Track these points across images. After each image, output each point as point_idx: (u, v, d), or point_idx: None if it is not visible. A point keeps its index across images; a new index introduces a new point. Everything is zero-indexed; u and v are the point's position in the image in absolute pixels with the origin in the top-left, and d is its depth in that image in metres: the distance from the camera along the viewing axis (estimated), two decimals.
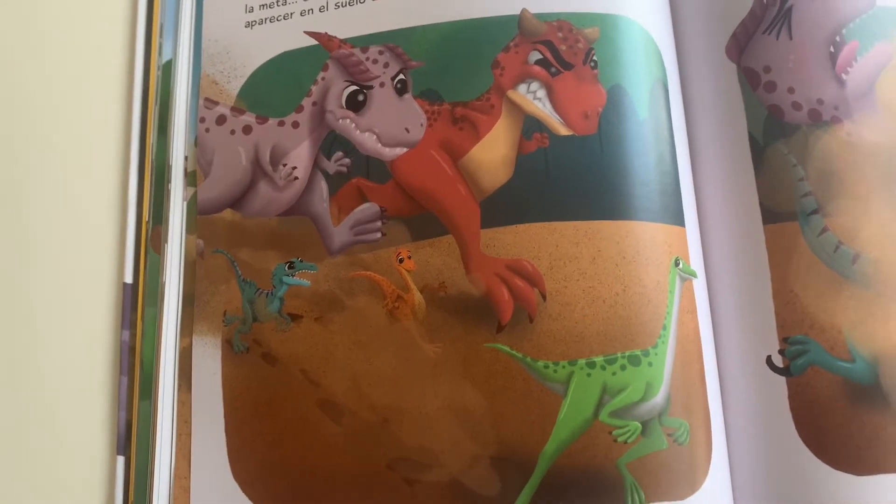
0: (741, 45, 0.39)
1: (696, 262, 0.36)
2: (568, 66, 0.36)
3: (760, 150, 0.38)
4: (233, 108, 0.39)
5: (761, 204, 0.37)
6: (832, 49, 0.38)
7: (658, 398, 0.33)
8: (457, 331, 0.34)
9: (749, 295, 0.36)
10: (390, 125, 0.37)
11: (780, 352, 0.36)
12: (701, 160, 0.39)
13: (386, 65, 0.38)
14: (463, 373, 0.34)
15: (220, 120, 0.39)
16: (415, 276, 0.35)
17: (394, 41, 0.38)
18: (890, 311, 0.36)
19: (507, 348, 0.34)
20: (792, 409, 0.35)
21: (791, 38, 0.38)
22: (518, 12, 0.37)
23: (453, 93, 0.37)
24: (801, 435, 0.35)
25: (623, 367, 0.33)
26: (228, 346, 0.37)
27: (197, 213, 0.38)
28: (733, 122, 0.38)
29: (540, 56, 0.37)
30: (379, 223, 0.36)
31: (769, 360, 0.36)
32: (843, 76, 0.38)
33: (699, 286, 0.36)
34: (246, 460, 0.35)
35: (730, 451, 0.36)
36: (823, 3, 0.39)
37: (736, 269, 0.37)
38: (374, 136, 0.37)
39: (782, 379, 0.35)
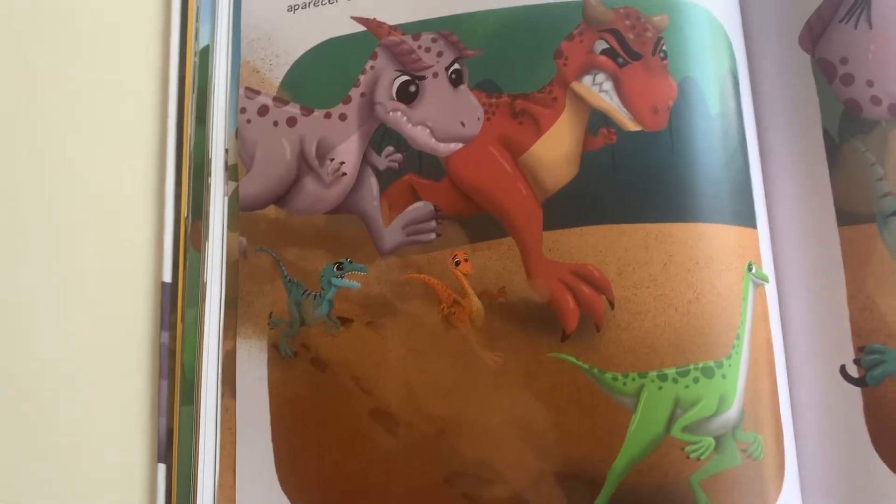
0: (816, 34, 0.37)
1: (767, 266, 0.35)
2: (636, 57, 0.35)
3: (835, 148, 0.36)
4: (275, 99, 0.37)
5: (836, 205, 0.35)
6: None
7: (732, 412, 0.32)
8: (518, 340, 0.33)
9: (822, 301, 0.35)
10: (444, 119, 0.35)
11: (856, 361, 0.34)
12: (772, 158, 0.37)
13: (440, 53, 0.36)
14: (525, 384, 0.32)
15: (263, 111, 0.37)
16: (472, 281, 0.34)
17: (448, 28, 0.36)
18: None
19: (572, 359, 0.32)
20: (867, 422, 0.34)
21: (871, 26, 0.36)
22: None
23: (513, 84, 0.35)
24: (877, 450, 0.33)
25: (696, 380, 0.32)
26: (275, 351, 0.35)
27: (239, 209, 0.37)
28: (806, 118, 0.36)
29: (606, 45, 0.35)
30: (433, 223, 0.35)
31: (843, 370, 0.34)
32: None
33: (770, 292, 0.35)
34: (294, 470, 0.34)
35: (800, 466, 0.34)
36: None
37: (809, 274, 0.35)
38: (428, 131, 0.35)
39: (857, 390, 0.34)
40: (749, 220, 0.34)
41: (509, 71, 0.35)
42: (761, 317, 0.34)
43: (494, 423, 0.32)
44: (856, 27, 0.36)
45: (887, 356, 0.34)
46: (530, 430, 0.32)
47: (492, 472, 0.32)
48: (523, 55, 0.35)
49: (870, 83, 0.36)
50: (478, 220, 0.34)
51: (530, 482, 0.32)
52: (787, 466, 0.33)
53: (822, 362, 0.35)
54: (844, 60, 0.36)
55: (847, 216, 0.35)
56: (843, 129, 0.36)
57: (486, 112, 0.35)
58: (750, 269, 0.34)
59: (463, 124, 0.35)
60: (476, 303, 0.34)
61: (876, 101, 0.36)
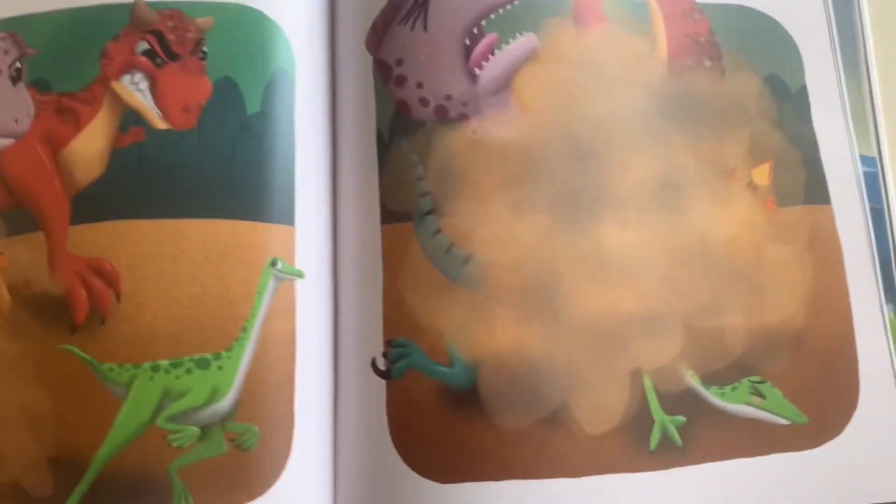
0: (380, 35, 0.38)
1: (310, 262, 0.36)
2: (175, 57, 0.36)
3: (386, 148, 0.37)
4: None
5: (382, 203, 0.37)
6: (468, 42, 0.38)
7: (224, 403, 0.33)
8: (34, 330, 0.34)
9: (363, 296, 0.36)
10: (1, 115, 0.36)
11: (384, 354, 0.35)
12: (342, 157, 0.38)
13: (6, 51, 0.37)
14: (35, 374, 0.33)
15: None
16: (5, 274, 0.35)
17: (16, 27, 0.37)
18: (496, 315, 0.35)
19: (76, 350, 0.33)
20: (389, 413, 0.35)
21: (426, 29, 0.38)
22: (132, 0, 0.36)
23: (63, 83, 0.36)
24: (393, 440, 0.34)
25: (189, 371, 0.33)
26: None
27: None
28: (366, 118, 0.38)
29: (148, 46, 0.36)
30: None
31: (373, 363, 0.35)
32: (477, 71, 0.38)
33: (310, 288, 0.36)
34: None
35: (337, 455, 0.35)
36: None
37: (355, 270, 0.37)
38: None
39: (383, 383, 0.35)
40: (284, 217, 0.35)
41: (61, 69, 0.36)
42: (282, 311, 0.35)
43: (7, 410, 0.33)
44: (412, 29, 0.38)
45: (410, 349, 0.35)
46: (34, 418, 0.33)
47: None
48: (74, 55, 0.36)
49: (420, 85, 0.37)
50: (16, 214, 0.35)
51: (26, 468, 0.33)
52: (299, 455, 0.34)
53: (359, 355, 0.36)
54: (400, 62, 0.38)
55: (390, 214, 0.37)
56: (394, 129, 0.37)
57: (36, 109, 0.36)
58: (274, 265, 0.35)
59: (16, 121, 0.36)
60: (4, 294, 0.35)
61: (424, 102, 0.37)
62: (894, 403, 0.37)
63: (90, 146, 0.35)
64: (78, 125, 0.36)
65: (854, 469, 0.36)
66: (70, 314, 0.34)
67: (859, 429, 0.37)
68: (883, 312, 0.38)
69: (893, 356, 0.38)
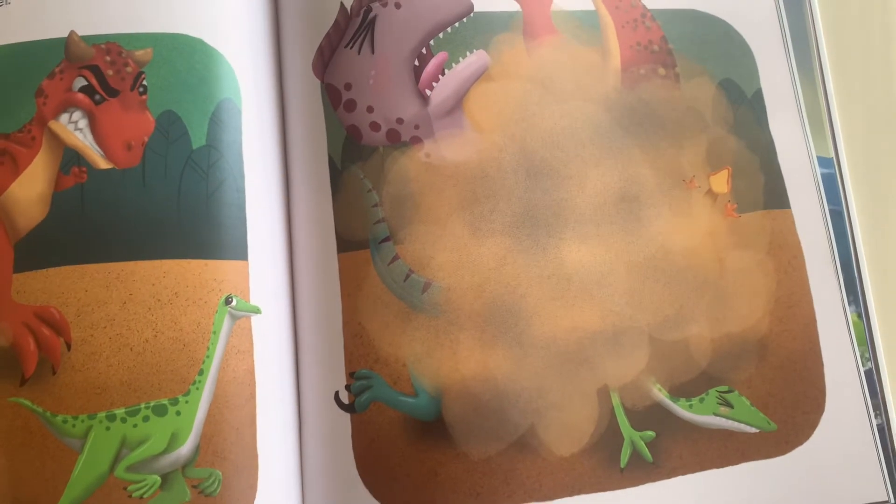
0: (326, 60, 0.38)
1: (266, 297, 0.36)
2: (114, 93, 0.36)
3: (338, 175, 0.37)
4: None
5: (337, 232, 0.37)
6: (417, 63, 0.38)
7: (184, 449, 0.33)
8: None
9: (322, 329, 0.36)
10: None
11: (347, 387, 0.35)
12: (294, 187, 0.38)
13: None
14: None
15: None
16: None
17: None
18: (458, 341, 0.36)
19: (28, 402, 0.33)
20: (355, 447, 0.35)
21: (373, 51, 0.38)
22: (66, 35, 0.36)
23: None
24: (361, 474, 0.35)
25: (146, 419, 0.33)
26: None
27: None
28: (316, 146, 0.38)
29: (85, 83, 0.36)
30: None
31: (337, 397, 0.36)
32: (427, 92, 0.38)
33: (268, 323, 0.36)
34: None
35: (304, 494, 0.35)
36: (410, 12, 0.38)
37: (313, 302, 0.37)
38: None
39: (347, 416, 0.35)
40: (237, 252, 0.35)
41: None
42: (240, 349, 0.35)
43: None
44: (359, 52, 0.38)
45: (374, 381, 0.35)
46: None
47: None
48: (7, 94, 0.36)
49: (370, 109, 0.37)
50: None
51: None
52: (264, 497, 0.34)
53: (322, 389, 0.36)
54: (348, 86, 0.38)
55: (346, 243, 0.37)
56: (346, 155, 0.37)
57: None
58: (228, 303, 0.35)
59: None
60: None
61: (375, 126, 0.37)
62: (861, 405, 0.38)
63: (31, 190, 0.35)
64: (17, 168, 0.35)
65: (824, 473, 0.37)
66: (19, 366, 0.34)
67: (828, 432, 0.38)
68: (846, 314, 0.39)
69: (858, 358, 0.39)
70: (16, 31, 0.36)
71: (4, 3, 0.36)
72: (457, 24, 0.38)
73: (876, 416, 0.38)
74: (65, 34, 0.36)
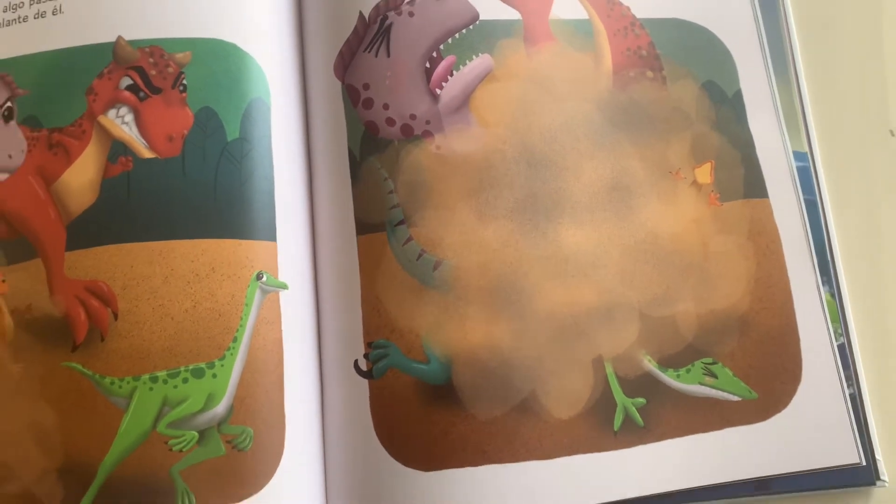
0: (346, 62, 0.42)
1: (292, 274, 0.40)
2: (157, 91, 0.40)
3: (357, 166, 0.41)
4: None
5: (356, 216, 0.41)
6: (428, 65, 0.42)
7: (220, 408, 0.37)
8: (38, 351, 0.38)
9: (343, 303, 0.40)
10: None
11: (365, 356, 0.39)
12: (317, 176, 0.42)
13: None
14: (40, 391, 0.37)
15: None
16: (7, 299, 0.38)
17: (5, 69, 0.41)
18: (466, 314, 0.40)
19: (79, 366, 0.37)
20: (372, 410, 0.39)
21: (389, 55, 0.42)
22: (114, 39, 0.40)
23: (52, 119, 0.40)
24: (378, 434, 0.38)
25: (185, 380, 0.37)
26: None
27: None
28: (337, 139, 0.42)
29: (131, 82, 0.40)
30: None
31: (356, 365, 0.39)
32: (438, 91, 0.42)
33: (294, 298, 0.40)
34: None
35: (326, 452, 0.39)
36: (422, 20, 0.42)
37: (334, 279, 0.41)
38: None
39: (366, 382, 0.39)
40: (267, 233, 0.39)
41: (49, 107, 0.40)
42: (269, 320, 0.39)
43: (14, 426, 0.37)
44: (376, 56, 0.42)
45: (390, 350, 0.39)
46: (41, 432, 0.37)
47: (5, 470, 0.36)
48: (62, 92, 0.40)
49: (386, 106, 0.42)
50: (15, 244, 0.39)
51: (37, 478, 0.36)
52: (291, 454, 0.37)
53: (342, 358, 0.40)
54: (367, 86, 0.42)
55: (364, 226, 0.41)
56: (364, 148, 0.41)
57: (28, 145, 0.40)
58: (259, 278, 0.39)
59: (10, 156, 0.40)
60: (8, 320, 0.38)
61: (390, 122, 0.42)
62: (834, 376, 0.42)
63: (81, 177, 0.39)
64: (69, 158, 0.39)
65: (801, 437, 0.41)
66: (71, 334, 0.37)
67: (804, 400, 0.41)
68: (820, 294, 0.43)
69: (831, 332, 0.42)
70: (69, 37, 0.41)
71: (59, 11, 0.41)
72: (464, 31, 0.43)
73: (848, 387, 0.42)
74: (113, 39, 0.40)
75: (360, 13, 0.42)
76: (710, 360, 0.41)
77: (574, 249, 0.41)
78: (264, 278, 0.39)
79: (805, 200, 0.44)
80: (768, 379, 0.41)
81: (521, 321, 0.40)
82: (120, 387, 0.37)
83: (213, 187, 0.39)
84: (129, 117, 0.40)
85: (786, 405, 0.41)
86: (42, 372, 0.37)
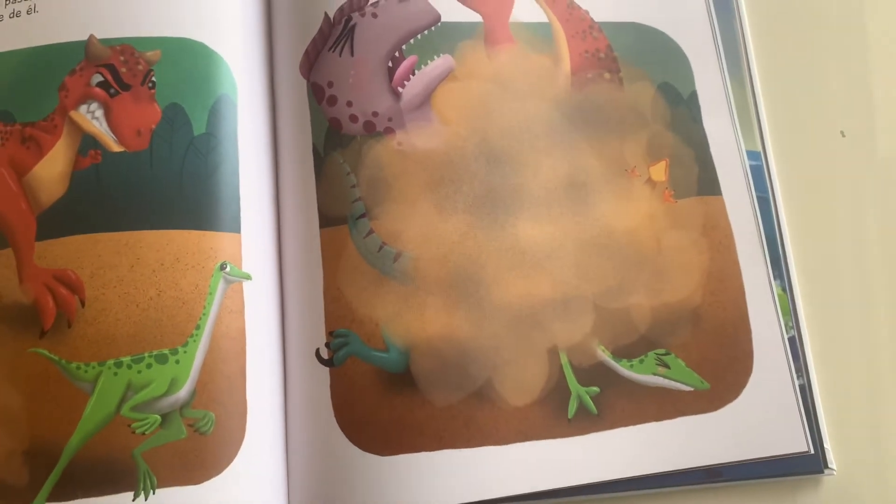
0: (311, 61, 0.44)
1: (256, 265, 0.41)
2: (126, 88, 0.41)
3: (321, 161, 0.43)
4: None
5: (320, 209, 0.42)
6: (391, 64, 0.44)
7: (182, 392, 0.38)
8: (7, 337, 0.39)
9: (305, 293, 0.42)
10: None
11: (327, 345, 0.41)
12: (282, 170, 0.44)
13: None
14: (8, 375, 0.38)
15: None
16: None
17: None
18: (425, 304, 0.41)
19: (45, 352, 0.38)
20: (333, 397, 0.40)
21: (353, 54, 0.44)
22: (86, 38, 0.42)
23: (25, 114, 0.42)
24: (338, 420, 0.40)
25: (149, 366, 0.38)
26: None
27: None
28: (302, 135, 0.43)
29: (102, 78, 0.41)
30: None
31: (318, 353, 0.41)
32: (400, 90, 0.43)
33: (258, 288, 0.41)
34: None
35: (287, 437, 0.40)
36: (385, 21, 0.44)
37: (297, 270, 0.42)
38: None
39: (326, 370, 0.40)
40: (231, 225, 0.41)
41: (23, 102, 0.42)
42: (233, 310, 0.40)
43: None
44: (340, 55, 0.44)
45: (351, 338, 0.41)
46: (8, 415, 0.38)
47: None
48: (35, 89, 0.42)
49: (349, 103, 0.43)
50: None
51: (3, 460, 0.37)
52: (253, 438, 0.39)
53: (304, 347, 0.41)
54: (331, 84, 0.44)
55: (327, 219, 0.42)
56: (328, 143, 0.43)
57: (1, 138, 0.41)
58: (223, 268, 0.40)
59: None
60: None
61: (354, 118, 0.43)
62: (784, 368, 0.43)
63: (52, 170, 0.41)
64: (41, 152, 0.41)
65: (751, 427, 0.42)
66: (39, 320, 0.39)
67: (755, 391, 0.42)
68: (771, 288, 0.44)
69: (782, 326, 0.44)
70: (43, 35, 0.42)
71: (33, 11, 0.42)
72: (426, 32, 0.44)
73: (798, 378, 0.43)
74: (85, 37, 0.42)
75: (326, 14, 0.44)
76: (663, 350, 0.43)
77: (531, 243, 0.43)
78: (228, 269, 0.40)
79: (758, 197, 0.46)
80: (720, 370, 0.43)
81: (479, 311, 0.41)
82: (86, 371, 0.38)
83: (180, 180, 0.40)
84: (100, 112, 0.41)
85: (737, 395, 0.42)
86: (10, 357, 0.38)
